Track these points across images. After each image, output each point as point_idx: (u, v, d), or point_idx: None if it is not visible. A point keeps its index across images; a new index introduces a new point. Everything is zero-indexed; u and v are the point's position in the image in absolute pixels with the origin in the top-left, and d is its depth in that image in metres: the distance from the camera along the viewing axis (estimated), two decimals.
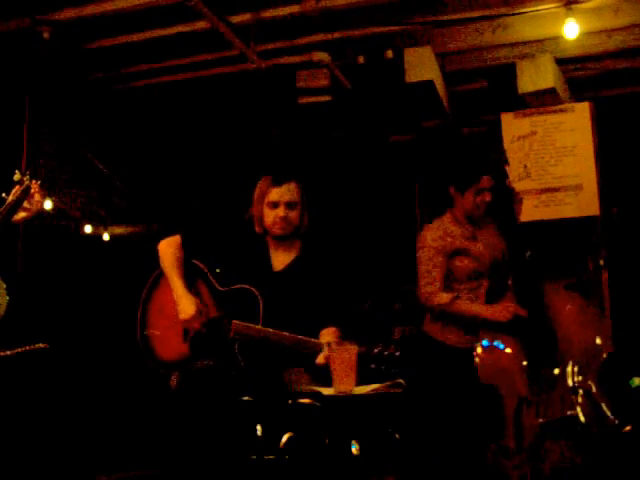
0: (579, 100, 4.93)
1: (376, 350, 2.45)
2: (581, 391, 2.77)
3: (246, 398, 2.54)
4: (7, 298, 3.21)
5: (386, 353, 2.45)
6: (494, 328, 2.94)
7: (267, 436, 2.44)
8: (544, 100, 4.77)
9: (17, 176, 3.21)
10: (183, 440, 2.62)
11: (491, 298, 3.13)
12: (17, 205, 3.17)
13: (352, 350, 2.44)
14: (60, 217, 5.12)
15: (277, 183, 2.85)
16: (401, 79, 4.60)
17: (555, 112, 4.77)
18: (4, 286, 3.22)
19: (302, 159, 5.56)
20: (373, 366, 2.44)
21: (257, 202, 2.89)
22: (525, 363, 2.85)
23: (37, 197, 3.20)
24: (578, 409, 2.74)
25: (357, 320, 2.65)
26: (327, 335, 2.71)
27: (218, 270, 2.91)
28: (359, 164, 5.68)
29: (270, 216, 2.85)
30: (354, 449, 2.35)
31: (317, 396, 2.44)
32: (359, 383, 2.46)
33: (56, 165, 4.98)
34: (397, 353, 2.45)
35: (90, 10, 4.19)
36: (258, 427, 2.46)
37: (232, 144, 5.63)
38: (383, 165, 5.70)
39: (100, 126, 5.21)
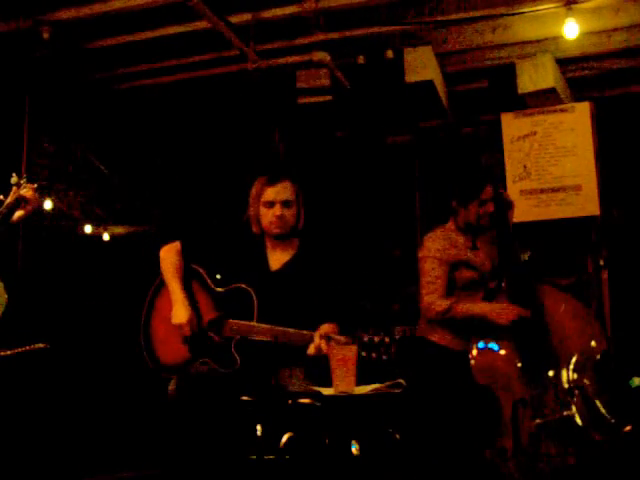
0: (579, 100, 4.93)
1: (365, 338, 2.45)
2: (577, 392, 2.77)
3: (246, 398, 2.55)
4: (6, 297, 3.22)
5: (377, 340, 2.44)
6: (490, 333, 2.93)
7: (267, 436, 2.44)
8: (544, 100, 4.77)
9: (14, 179, 3.25)
10: (183, 440, 2.62)
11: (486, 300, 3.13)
12: (14, 207, 3.21)
13: (352, 350, 2.44)
14: (60, 217, 5.12)
15: (272, 182, 2.88)
16: (401, 79, 4.59)
17: (555, 112, 4.77)
18: (3, 285, 3.23)
19: (302, 159, 5.56)
20: (364, 354, 2.44)
21: (253, 202, 2.92)
22: (520, 365, 2.85)
23: (34, 198, 3.23)
24: (574, 409, 2.74)
25: (356, 318, 2.64)
26: (324, 330, 2.71)
27: (218, 276, 2.95)
28: (359, 164, 5.68)
29: (266, 215, 2.88)
30: (354, 449, 2.35)
31: (317, 396, 2.44)
32: (359, 383, 2.46)
33: (56, 165, 4.98)
34: (387, 339, 2.44)
35: (90, 10, 4.19)
36: (258, 427, 2.46)
37: (232, 144, 5.63)
38: (383, 165, 5.70)
39: (100, 126, 5.20)
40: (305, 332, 2.65)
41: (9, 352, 3.17)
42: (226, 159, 5.55)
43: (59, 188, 5.06)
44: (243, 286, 2.80)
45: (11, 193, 3.23)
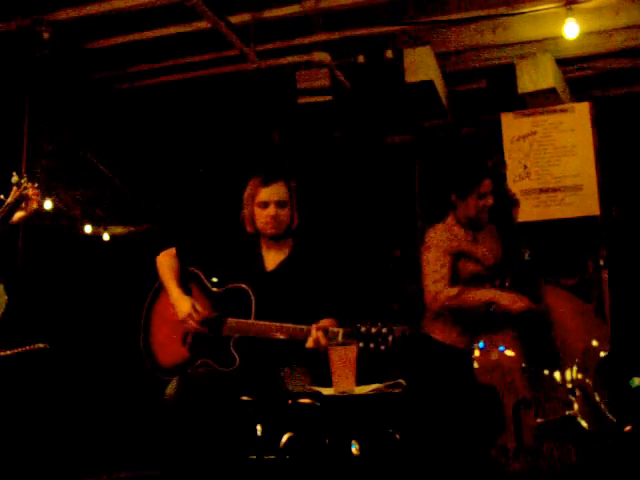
0: (579, 100, 4.93)
1: (363, 328, 2.46)
2: (580, 391, 2.77)
3: (246, 398, 2.55)
4: (6, 297, 3.22)
5: (374, 330, 2.45)
6: (496, 326, 2.94)
7: (267, 436, 2.45)
8: (544, 100, 4.77)
9: (15, 178, 3.24)
10: (183, 440, 2.62)
11: None
12: (15, 207, 3.20)
13: (352, 350, 2.44)
14: (60, 217, 5.12)
15: (266, 183, 2.90)
16: (401, 79, 4.59)
17: (555, 112, 4.77)
18: (2, 286, 3.23)
19: (302, 159, 5.56)
20: (361, 344, 2.45)
21: (247, 203, 2.94)
22: (524, 364, 2.85)
23: (34, 198, 3.22)
24: (576, 409, 2.74)
25: (354, 314, 2.64)
26: (322, 323, 2.71)
27: (215, 279, 2.96)
28: (359, 164, 5.68)
29: (261, 216, 2.90)
30: (354, 449, 2.35)
31: (317, 396, 2.44)
32: (360, 377, 2.46)
33: (56, 165, 4.98)
34: (384, 329, 2.44)
35: (90, 10, 4.19)
36: (258, 427, 2.46)
37: (231, 144, 5.63)
38: (383, 165, 5.70)
39: (100, 126, 5.20)
40: (303, 326, 2.66)
41: (9, 352, 3.17)
42: (225, 159, 5.55)
43: (59, 188, 5.06)
44: (240, 285, 2.82)
45: (11, 193, 3.22)
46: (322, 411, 2.41)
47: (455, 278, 3.23)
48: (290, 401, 2.48)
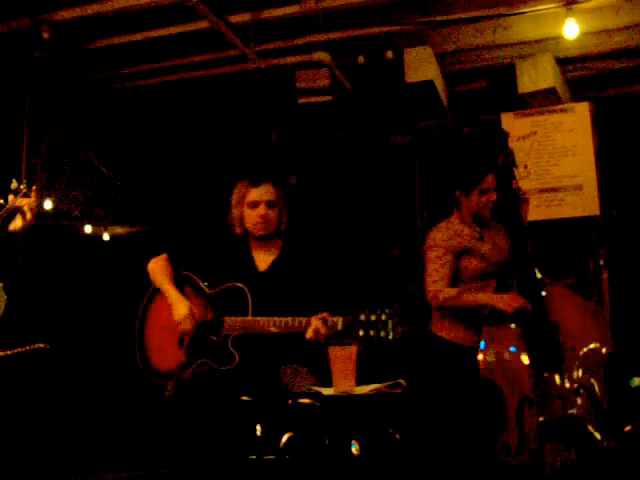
0: (579, 100, 4.92)
1: (362, 316, 2.47)
2: (584, 391, 2.77)
3: (246, 398, 2.55)
4: (5, 297, 3.21)
5: (373, 317, 2.46)
6: (498, 321, 2.94)
7: (267, 436, 2.44)
8: (544, 100, 4.76)
9: (14, 184, 3.20)
10: (183, 440, 2.62)
11: None
12: (10, 216, 3.14)
13: (352, 350, 2.44)
14: (60, 217, 5.12)
15: (255, 184, 2.94)
16: (401, 79, 4.59)
17: (555, 112, 4.77)
18: (2, 285, 3.22)
19: (302, 159, 5.56)
20: (361, 332, 2.45)
21: (236, 204, 2.98)
22: (529, 363, 2.85)
23: (28, 211, 3.16)
24: (579, 408, 2.74)
25: (352, 308, 2.65)
26: (321, 315, 2.72)
27: (206, 284, 2.98)
28: (359, 164, 5.68)
29: (251, 216, 2.93)
30: (354, 449, 2.35)
31: (317, 396, 2.44)
32: (359, 383, 2.46)
33: (56, 165, 4.98)
34: (384, 316, 2.45)
35: (90, 10, 4.19)
36: (258, 427, 2.46)
37: (230, 145, 5.62)
38: (383, 165, 5.70)
39: (100, 126, 5.20)
40: (302, 318, 2.67)
41: (9, 352, 3.17)
42: (221, 161, 5.54)
43: (59, 188, 5.06)
44: (236, 284, 2.83)
45: (9, 200, 3.16)
46: (322, 411, 2.41)
47: (460, 275, 3.24)
48: (290, 401, 2.48)
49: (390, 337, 2.42)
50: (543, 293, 2.97)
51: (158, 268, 3.02)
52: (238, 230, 2.98)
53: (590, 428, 2.69)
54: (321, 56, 4.60)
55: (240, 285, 2.82)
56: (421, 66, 4.56)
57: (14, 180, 3.19)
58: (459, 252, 3.24)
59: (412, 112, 5.14)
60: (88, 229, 5.53)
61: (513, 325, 2.90)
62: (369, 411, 2.48)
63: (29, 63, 4.56)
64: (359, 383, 2.46)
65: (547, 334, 2.88)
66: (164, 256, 3.05)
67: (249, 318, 2.75)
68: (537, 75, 4.64)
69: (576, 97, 5.04)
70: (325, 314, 2.68)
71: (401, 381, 2.50)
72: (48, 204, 4.80)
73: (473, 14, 4.27)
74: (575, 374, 2.82)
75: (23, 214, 3.07)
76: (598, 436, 2.67)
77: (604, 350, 2.87)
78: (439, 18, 4.31)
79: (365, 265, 5.45)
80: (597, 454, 2.64)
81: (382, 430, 2.49)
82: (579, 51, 4.64)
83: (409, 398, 2.56)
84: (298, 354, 2.81)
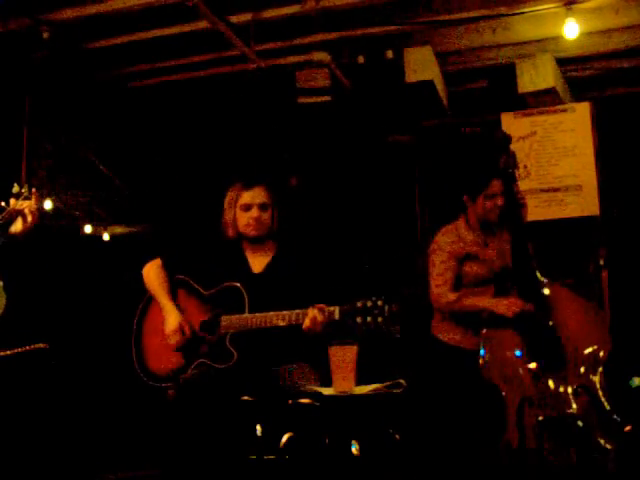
0: (579, 100, 4.93)
1: (359, 304, 2.49)
2: (584, 390, 2.77)
3: (246, 398, 2.55)
4: (5, 297, 3.20)
5: (369, 304, 2.47)
6: (497, 324, 2.95)
7: (267, 436, 2.45)
8: (544, 100, 4.76)
9: (15, 188, 3.20)
10: (183, 440, 2.62)
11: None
12: (11, 220, 3.13)
13: (352, 350, 2.44)
14: (60, 217, 5.12)
15: (248, 186, 2.96)
16: (401, 79, 4.59)
17: (555, 112, 4.77)
18: (2, 285, 3.21)
19: (302, 159, 5.56)
20: (359, 320, 2.47)
21: (229, 207, 2.99)
22: (529, 363, 2.85)
23: (29, 214, 3.15)
24: (579, 408, 2.74)
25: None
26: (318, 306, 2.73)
27: (204, 284, 2.98)
28: (359, 164, 5.68)
29: (244, 218, 2.95)
30: (354, 449, 2.35)
31: (317, 396, 2.44)
32: (359, 383, 2.46)
33: (56, 165, 4.98)
34: (380, 302, 2.47)
35: (90, 10, 4.19)
36: (258, 427, 2.46)
37: (230, 145, 5.62)
38: (383, 165, 5.70)
39: (100, 126, 5.20)
40: (298, 311, 2.69)
41: (9, 352, 3.17)
42: (222, 161, 5.54)
43: (59, 188, 5.06)
44: (232, 284, 2.84)
45: (11, 204, 3.15)
46: (322, 411, 2.41)
47: (460, 280, 3.24)
48: (290, 401, 2.48)
49: (388, 322, 2.44)
50: (544, 293, 2.98)
51: (152, 275, 3.03)
52: (231, 233, 3.00)
53: (590, 428, 2.69)
54: (321, 56, 4.60)
55: (236, 285, 2.83)
56: (421, 66, 4.57)
57: (16, 184, 3.19)
58: (462, 257, 3.25)
59: (412, 112, 5.14)
60: (88, 229, 5.53)
61: (518, 336, 2.90)
62: (369, 411, 2.48)
63: (29, 63, 4.56)
64: (359, 383, 2.46)
65: (548, 335, 2.89)
66: (158, 261, 3.07)
67: (246, 315, 2.76)
68: (537, 75, 4.64)
69: (576, 97, 5.04)
70: (322, 305, 2.70)
71: (401, 381, 2.50)
72: (48, 204, 4.80)
73: (473, 14, 4.27)
74: (575, 374, 2.82)
75: (24, 217, 3.07)
76: (598, 436, 2.67)
77: (604, 350, 2.87)
78: (439, 18, 4.31)
79: (365, 265, 5.46)
80: (597, 454, 2.64)
81: (382, 430, 2.49)
82: (579, 51, 4.64)
83: (409, 398, 2.56)
84: (297, 350, 2.82)
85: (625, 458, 2.65)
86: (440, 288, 3.20)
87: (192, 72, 5.04)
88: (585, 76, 4.99)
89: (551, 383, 2.81)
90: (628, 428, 2.72)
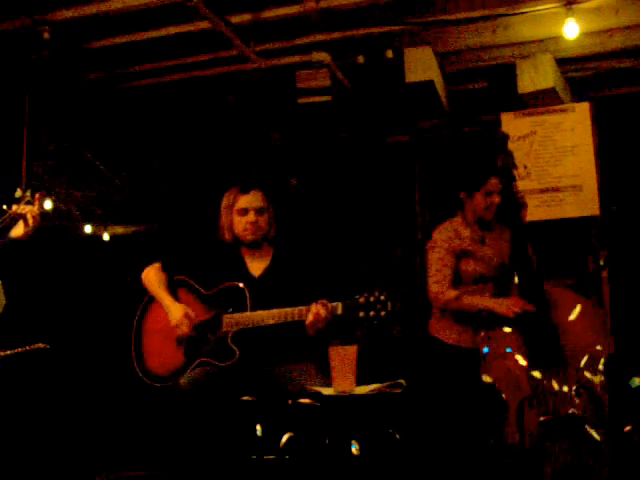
0: (579, 100, 4.93)
1: (361, 299, 2.49)
2: (584, 390, 2.77)
3: (246, 398, 2.55)
4: (5, 297, 3.20)
5: (372, 299, 2.48)
6: (497, 324, 2.95)
7: (267, 436, 2.45)
8: (544, 100, 4.76)
9: (18, 193, 3.19)
10: (183, 440, 2.62)
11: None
12: (11, 224, 3.13)
13: (352, 350, 2.44)
14: (60, 217, 5.11)
15: (245, 191, 2.98)
16: (401, 79, 4.59)
17: (555, 112, 4.77)
18: (1, 285, 3.21)
19: (302, 159, 5.56)
20: (362, 314, 2.47)
21: (226, 211, 3.01)
22: (528, 362, 2.86)
23: (36, 213, 3.15)
24: (580, 408, 2.74)
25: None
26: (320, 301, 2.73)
27: (204, 286, 2.98)
28: (359, 164, 5.68)
29: (241, 222, 2.96)
30: (354, 449, 2.35)
31: (317, 396, 2.44)
32: (359, 383, 2.46)
33: (56, 165, 4.97)
34: (382, 296, 2.47)
35: (90, 10, 4.18)
36: (258, 427, 2.47)
37: (230, 146, 5.62)
38: (383, 165, 5.70)
39: (100, 126, 5.20)
40: (301, 307, 2.70)
41: (9, 352, 3.17)
42: (221, 163, 5.54)
43: (59, 188, 5.06)
44: (234, 284, 2.85)
45: (13, 208, 3.15)
46: (322, 411, 2.41)
47: (459, 279, 3.24)
48: (290, 401, 2.48)
49: (390, 316, 2.45)
50: (544, 293, 2.98)
51: (152, 277, 3.04)
52: (228, 236, 3.01)
53: (590, 428, 2.69)
54: (321, 56, 4.60)
55: (238, 284, 2.84)
56: (421, 66, 4.57)
57: (19, 189, 3.20)
58: (458, 253, 3.25)
59: (412, 112, 5.14)
60: (88, 229, 5.53)
61: (517, 337, 2.90)
62: (369, 411, 2.48)
63: (29, 63, 4.56)
64: (359, 383, 2.46)
65: (548, 334, 2.89)
66: (157, 265, 3.08)
67: (248, 313, 2.77)
68: (537, 75, 4.64)
69: (576, 97, 5.04)
70: (324, 300, 2.70)
71: (401, 381, 2.50)
72: (48, 204, 4.79)
73: (473, 14, 4.27)
74: (575, 374, 2.82)
75: (25, 221, 3.08)
76: (598, 436, 2.67)
77: (604, 350, 2.87)
78: (439, 18, 4.31)
79: (365, 265, 5.46)
80: (597, 454, 2.64)
81: (382, 430, 2.49)
82: (579, 51, 4.64)
83: (409, 398, 2.56)
84: (301, 350, 2.82)
85: (625, 458, 2.66)
86: (438, 285, 3.19)
87: (192, 72, 5.04)
88: (585, 76, 4.99)
89: (551, 383, 2.81)
90: (628, 428, 2.72)
